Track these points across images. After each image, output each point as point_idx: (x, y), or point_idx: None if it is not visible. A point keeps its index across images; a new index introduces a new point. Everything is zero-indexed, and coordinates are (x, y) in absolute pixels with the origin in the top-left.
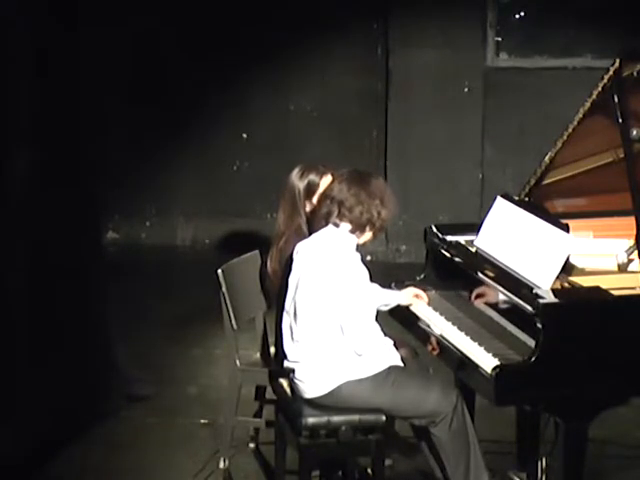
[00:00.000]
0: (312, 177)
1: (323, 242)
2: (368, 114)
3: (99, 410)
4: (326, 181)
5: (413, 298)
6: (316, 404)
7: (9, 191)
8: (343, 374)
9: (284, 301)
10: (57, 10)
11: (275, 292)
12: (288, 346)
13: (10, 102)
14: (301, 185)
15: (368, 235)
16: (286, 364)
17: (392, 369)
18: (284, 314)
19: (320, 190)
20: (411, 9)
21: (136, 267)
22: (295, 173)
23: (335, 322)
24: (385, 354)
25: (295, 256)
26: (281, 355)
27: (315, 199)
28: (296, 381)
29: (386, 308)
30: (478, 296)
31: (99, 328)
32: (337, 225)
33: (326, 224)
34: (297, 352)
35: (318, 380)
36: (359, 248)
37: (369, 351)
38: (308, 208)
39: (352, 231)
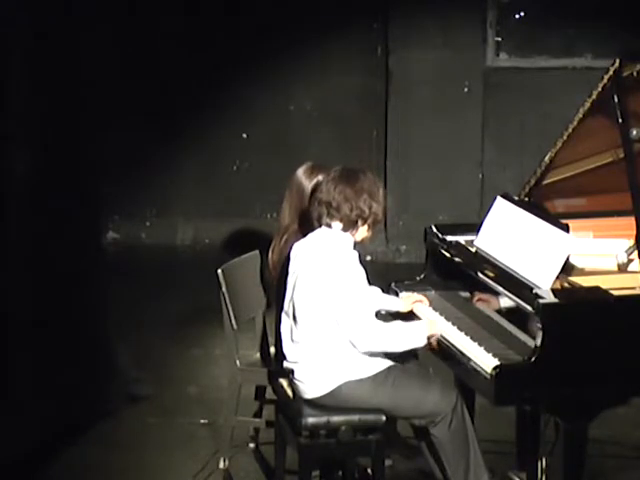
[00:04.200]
0: (320, 179)
1: (318, 242)
2: (368, 114)
3: (99, 410)
4: None
5: (413, 304)
6: (316, 404)
7: (9, 191)
8: (343, 374)
9: (283, 301)
10: (58, 8)
11: (274, 287)
12: (287, 346)
13: (10, 102)
14: (309, 184)
15: (363, 231)
16: (286, 364)
17: (392, 369)
18: (283, 315)
19: None
20: (411, 9)
21: (136, 267)
22: (303, 170)
23: (333, 322)
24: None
25: (292, 256)
26: (281, 355)
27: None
28: (296, 381)
29: (384, 312)
30: (479, 300)
31: (99, 328)
32: (329, 226)
33: (319, 226)
34: (297, 352)
35: (318, 380)
36: (358, 246)
37: (366, 344)
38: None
39: (344, 229)
